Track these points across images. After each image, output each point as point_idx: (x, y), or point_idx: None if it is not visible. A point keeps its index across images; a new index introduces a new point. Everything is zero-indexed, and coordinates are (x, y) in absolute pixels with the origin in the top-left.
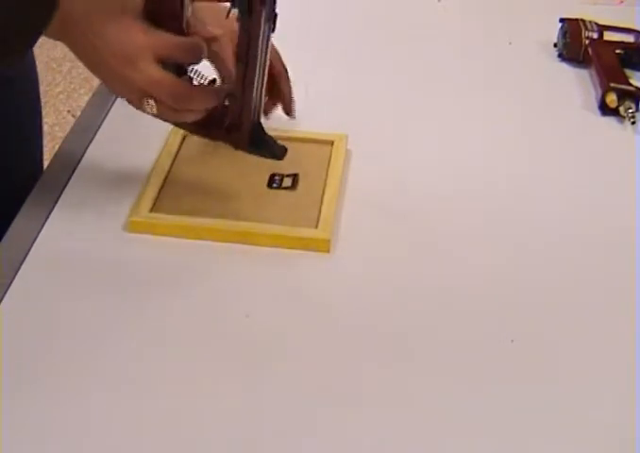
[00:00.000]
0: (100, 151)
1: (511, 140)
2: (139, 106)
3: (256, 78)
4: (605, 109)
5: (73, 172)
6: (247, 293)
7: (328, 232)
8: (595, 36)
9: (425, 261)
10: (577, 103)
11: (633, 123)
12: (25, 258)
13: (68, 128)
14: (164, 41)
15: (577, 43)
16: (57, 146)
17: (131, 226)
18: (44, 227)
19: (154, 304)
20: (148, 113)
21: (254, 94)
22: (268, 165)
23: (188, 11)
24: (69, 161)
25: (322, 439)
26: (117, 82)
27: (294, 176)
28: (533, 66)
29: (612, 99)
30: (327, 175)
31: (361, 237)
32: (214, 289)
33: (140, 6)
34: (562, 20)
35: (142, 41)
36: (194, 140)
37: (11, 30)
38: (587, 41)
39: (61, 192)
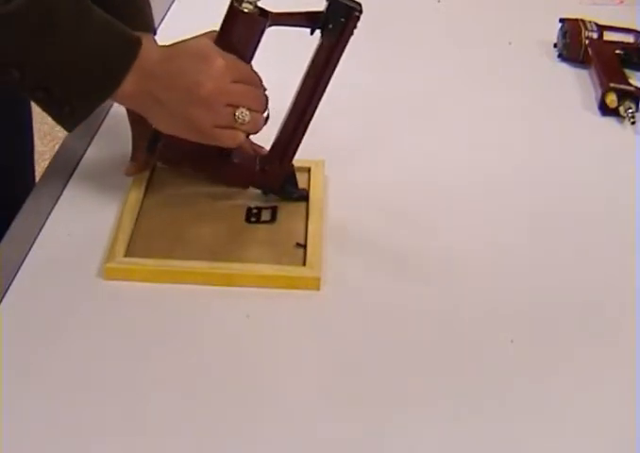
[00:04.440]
0: (100, 151)
1: (511, 140)
2: (231, 122)
3: (315, 110)
4: (605, 109)
5: (72, 172)
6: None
7: (318, 269)
8: (595, 36)
9: (423, 264)
10: (577, 103)
11: (633, 123)
12: (25, 258)
13: None
14: (241, 66)
15: (577, 43)
16: (57, 146)
17: (107, 273)
18: (44, 228)
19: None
20: (241, 122)
21: (308, 123)
22: (243, 197)
23: None
24: (69, 161)
25: None
26: (204, 111)
27: (273, 209)
28: (533, 66)
29: (612, 99)
30: (307, 205)
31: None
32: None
33: (213, 34)
34: (562, 20)
35: (223, 64)
36: (164, 170)
37: (92, 78)
38: (587, 42)
39: (61, 193)
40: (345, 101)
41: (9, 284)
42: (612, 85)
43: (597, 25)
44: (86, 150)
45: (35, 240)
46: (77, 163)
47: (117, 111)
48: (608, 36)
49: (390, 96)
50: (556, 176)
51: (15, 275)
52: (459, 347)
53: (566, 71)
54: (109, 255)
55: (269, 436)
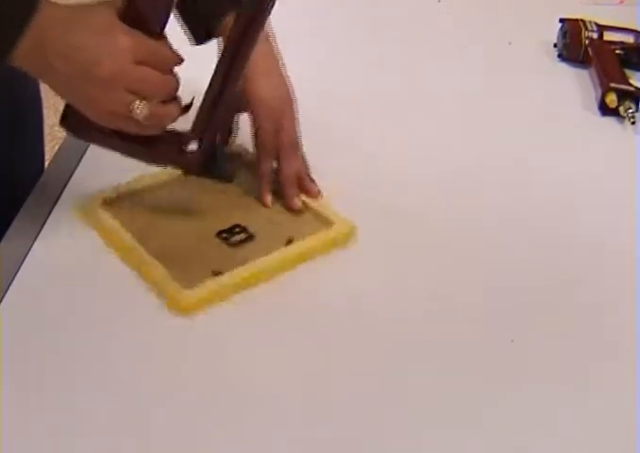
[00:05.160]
0: (100, 151)
1: (511, 140)
2: (126, 114)
3: (234, 86)
4: (605, 109)
5: (73, 172)
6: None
7: (348, 222)
8: (595, 36)
9: (423, 264)
10: (577, 103)
11: (633, 123)
12: (24, 258)
13: None
14: (147, 45)
15: (577, 43)
16: (57, 146)
17: (185, 312)
18: (44, 228)
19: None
20: (136, 122)
21: (224, 108)
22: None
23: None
24: (69, 161)
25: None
26: (100, 93)
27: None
28: (533, 66)
29: (612, 99)
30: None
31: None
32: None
33: (119, 4)
34: (562, 20)
35: (126, 42)
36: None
37: None
38: (587, 41)
39: (61, 193)
40: (344, 101)
41: (9, 284)
42: (612, 85)
43: (597, 24)
44: (86, 150)
45: (35, 240)
46: (78, 163)
47: None
48: (608, 36)
49: (390, 96)
50: (556, 176)
51: (15, 275)
52: (459, 347)
53: (566, 71)
54: (170, 296)
55: (274, 435)
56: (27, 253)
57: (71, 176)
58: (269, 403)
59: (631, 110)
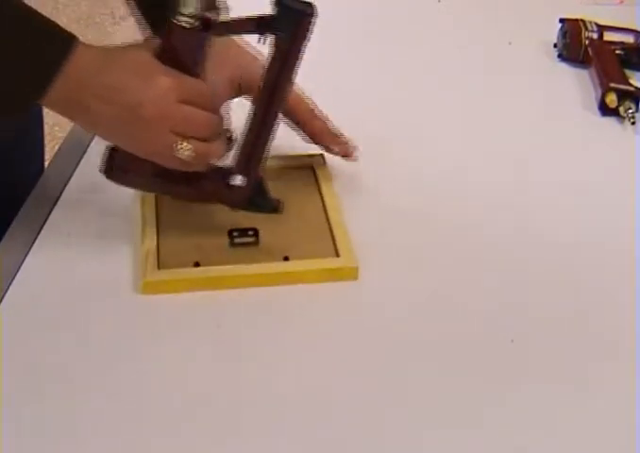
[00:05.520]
0: (100, 150)
1: (511, 140)
2: (170, 154)
3: (277, 117)
4: (605, 110)
5: (72, 172)
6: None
7: (354, 259)
8: (595, 36)
9: (423, 264)
10: (577, 103)
11: (633, 123)
12: (24, 258)
13: (68, 128)
14: (187, 83)
15: (577, 43)
16: (57, 146)
17: (145, 289)
18: (44, 228)
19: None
20: (182, 160)
21: (270, 139)
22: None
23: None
24: (69, 161)
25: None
26: (143, 134)
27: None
28: (533, 66)
29: (612, 99)
30: (322, 202)
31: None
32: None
33: (154, 45)
34: (562, 20)
35: (167, 83)
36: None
37: (20, 77)
38: (587, 42)
39: (61, 193)
40: (344, 101)
41: (9, 284)
42: (612, 85)
43: (597, 24)
44: (86, 150)
45: (35, 240)
46: (77, 163)
47: None
48: (608, 36)
49: (389, 96)
50: (556, 177)
51: (15, 275)
52: (459, 347)
53: (566, 71)
54: (144, 270)
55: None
56: (27, 253)
57: (71, 176)
58: (269, 403)
59: (631, 110)
